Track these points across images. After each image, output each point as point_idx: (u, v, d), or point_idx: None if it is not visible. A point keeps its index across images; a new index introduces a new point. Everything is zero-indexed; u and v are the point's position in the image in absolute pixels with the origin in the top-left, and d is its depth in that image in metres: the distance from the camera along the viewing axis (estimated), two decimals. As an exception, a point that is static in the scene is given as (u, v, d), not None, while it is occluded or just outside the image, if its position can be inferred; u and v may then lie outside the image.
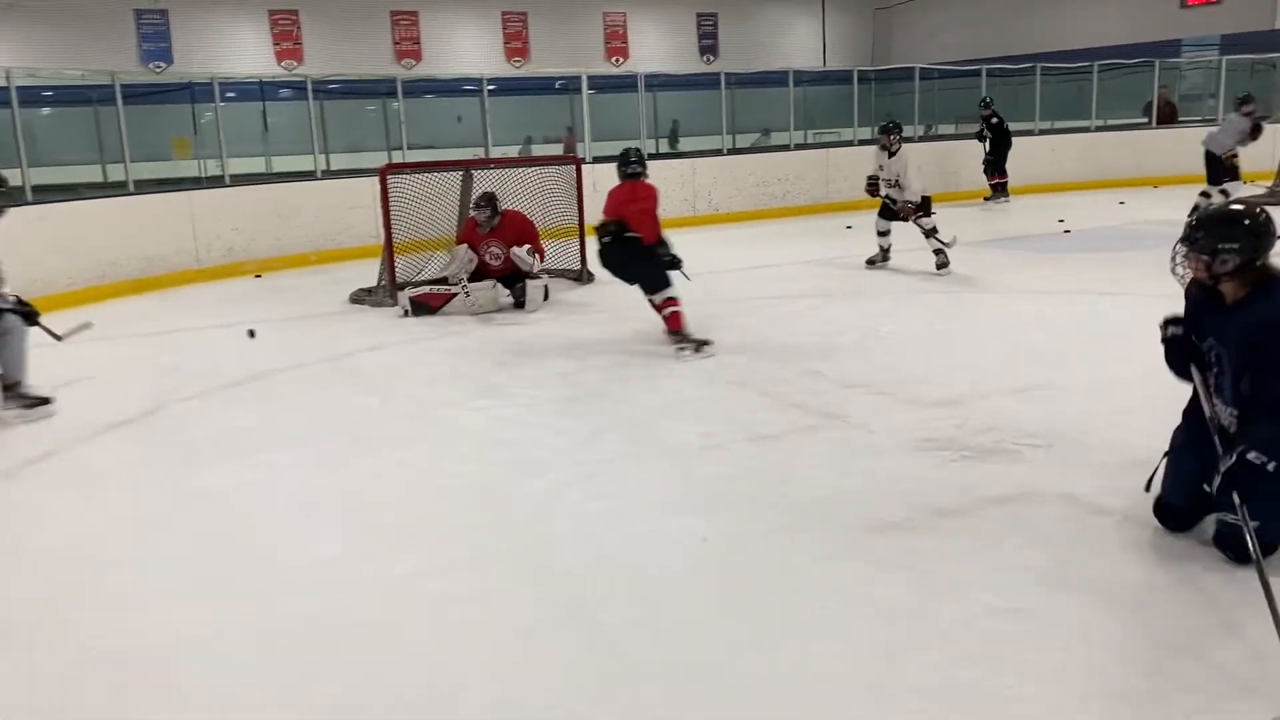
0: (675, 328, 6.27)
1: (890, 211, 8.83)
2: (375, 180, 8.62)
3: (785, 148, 14.11)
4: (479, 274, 7.87)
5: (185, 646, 2.87)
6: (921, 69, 15.22)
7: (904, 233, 8.82)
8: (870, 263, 9.00)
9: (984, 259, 9.11)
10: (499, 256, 7.88)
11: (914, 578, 3.09)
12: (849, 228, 11.45)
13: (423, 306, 7.63)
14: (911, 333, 6.58)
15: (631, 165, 6.61)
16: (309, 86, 11.27)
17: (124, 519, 3.85)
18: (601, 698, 2.52)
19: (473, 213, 7.94)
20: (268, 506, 3.96)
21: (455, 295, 7.67)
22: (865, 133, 14.29)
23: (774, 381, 5.35)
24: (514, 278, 7.83)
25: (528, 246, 7.84)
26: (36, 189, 8.83)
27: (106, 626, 3.01)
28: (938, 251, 8.47)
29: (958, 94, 16.58)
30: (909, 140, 12.16)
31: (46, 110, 14.08)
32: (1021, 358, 5.68)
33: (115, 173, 10.31)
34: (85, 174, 12.32)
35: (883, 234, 8.97)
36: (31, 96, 13.74)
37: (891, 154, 8.82)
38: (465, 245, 7.92)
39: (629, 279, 6.51)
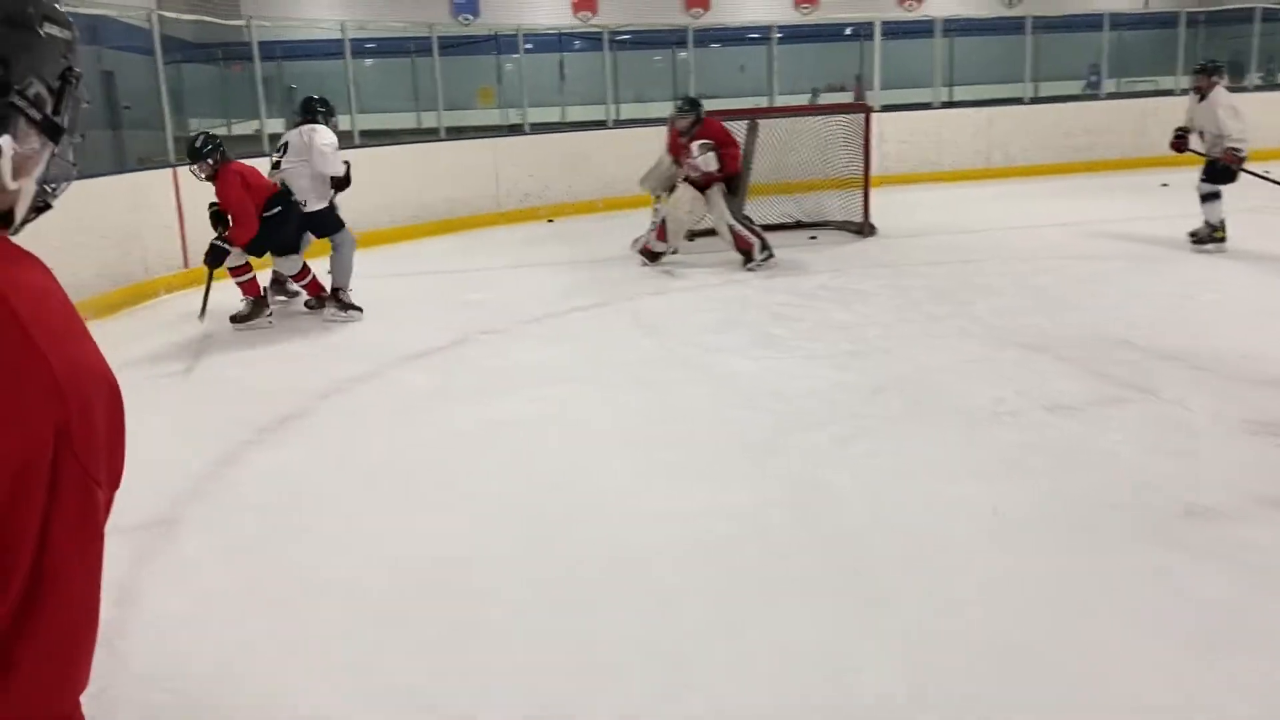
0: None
1: (1217, 172, 7.55)
2: (663, 129, 8.75)
3: (1094, 97, 13.03)
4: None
5: (490, 559, 3.09)
6: (1265, 9, 13.51)
7: (1237, 191, 7.63)
8: (1195, 236, 7.56)
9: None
10: (696, 168, 7.68)
11: (1236, 570, 2.80)
12: (1164, 185, 10.44)
13: (651, 254, 7.74)
14: (1237, 302, 5.92)
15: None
16: (605, 37, 11.59)
17: (431, 440, 4.19)
18: (884, 658, 2.47)
19: (674, 120, 7.76)
20: (556, 437, 4.17)
21: (664, 225, 7.69)
22: (1189, 82, 12.91)
23: (1074, 347, 4.99)
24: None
25: (703, 141, 7.49)
26: (363, 134, 9.68)
27: (420, 537, 3.28)
28: (1209, 223, 7.38)
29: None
30: (1242, 90, 10.88)
31: (370, 61, 15.39)
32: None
33: (428, 120, 11.10)
34: (402, 120, 13.38)
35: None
36: (358, 49, 15.04)
37: (1202, 98, 7.57)
38: (669, 156, 7.82)
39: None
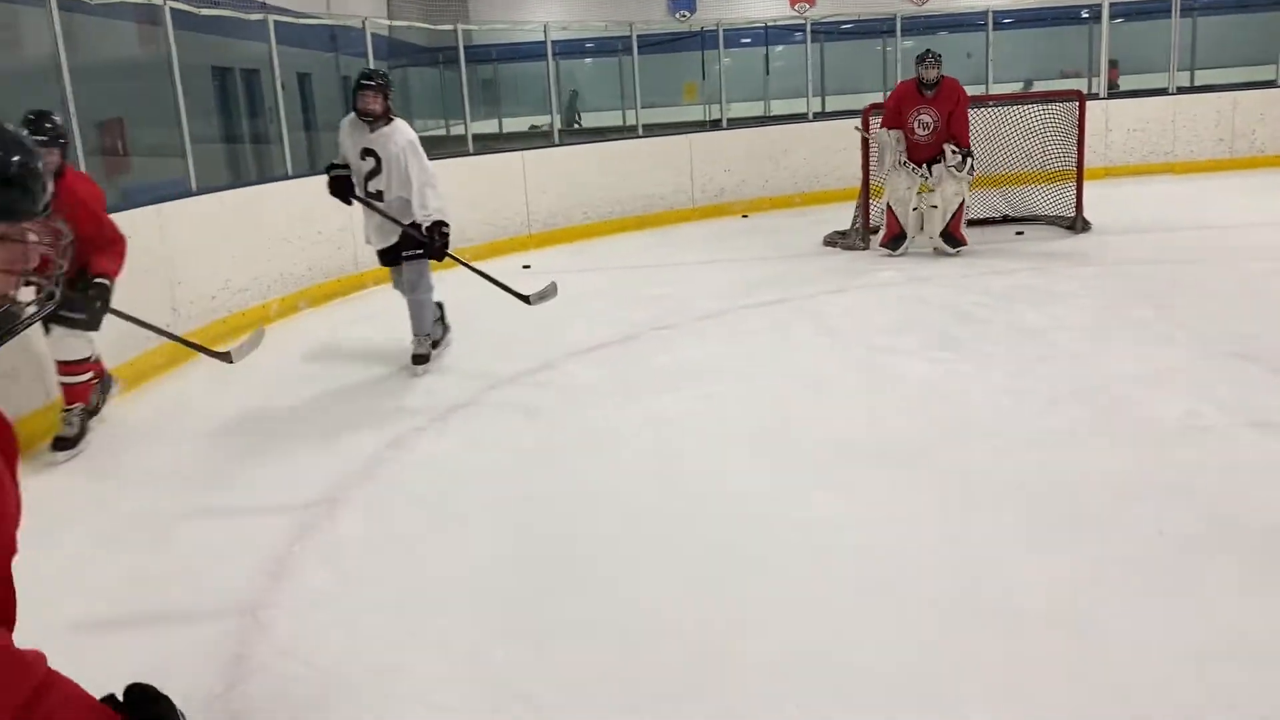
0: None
1: None
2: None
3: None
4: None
5: (624, 559, 3.12)
6: None
7: None
8: None
9: None
10: (929, 126, 7.25)
11: None
12: None
13: (954, 239, 7.49)
14: None
15: None
16: (807, 29, 11.41)
17: (582, 435, 4.25)
18: (1004, 693, 2.31)
19: (918, 69, 7.33)
20: (709, 435, 4.15)
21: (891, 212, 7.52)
22: None
23: (1294, 359, 4.49)
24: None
25: (956, 150, 7.18)
26: (562, 132, 9.97)
27: (558, 535, 3.34)
28: None
29: None
30: None
31: (589, 61, 15.82)
32: None
33: (632, 118, 11.28)
34: (609, 119, 13.68)
35: None
36: (575, 49, 15.48)
37: None
38: (892, 131, 7.42)
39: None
